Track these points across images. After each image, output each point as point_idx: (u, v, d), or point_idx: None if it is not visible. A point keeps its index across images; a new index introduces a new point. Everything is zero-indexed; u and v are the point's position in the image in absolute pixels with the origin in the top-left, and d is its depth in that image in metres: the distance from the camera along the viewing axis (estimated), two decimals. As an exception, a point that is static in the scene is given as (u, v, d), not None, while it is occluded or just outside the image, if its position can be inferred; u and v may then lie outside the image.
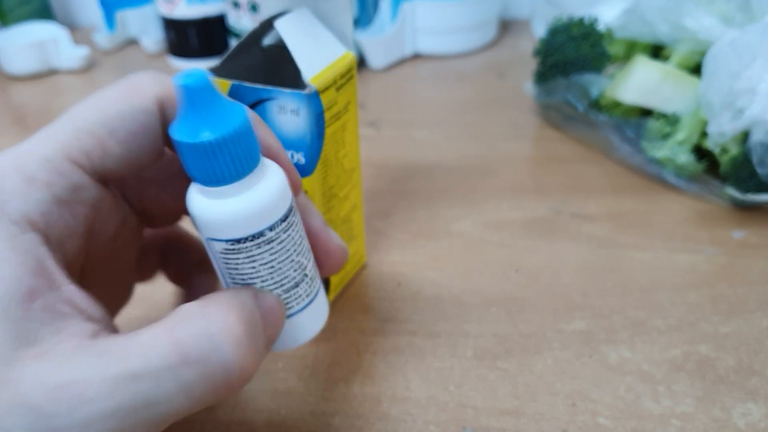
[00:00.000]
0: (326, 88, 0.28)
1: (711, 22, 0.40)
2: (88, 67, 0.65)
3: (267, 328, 0.21)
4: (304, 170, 0.28)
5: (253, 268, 0.21)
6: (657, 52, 0.45)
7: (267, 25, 0.29)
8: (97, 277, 0.23)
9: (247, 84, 0.28)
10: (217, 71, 0.29)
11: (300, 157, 0.28)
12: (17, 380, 0.17)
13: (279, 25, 0.28)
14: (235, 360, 0.18)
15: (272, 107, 0.28)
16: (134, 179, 0.24)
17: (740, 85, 0.36)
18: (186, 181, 0.22)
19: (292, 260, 0.22)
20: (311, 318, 0.24)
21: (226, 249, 0.21)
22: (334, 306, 0.33)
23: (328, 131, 0.29)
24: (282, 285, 0.22)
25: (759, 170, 0.36)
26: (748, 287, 0.33)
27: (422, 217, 0.40)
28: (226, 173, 0.19)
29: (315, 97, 0.27)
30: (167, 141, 0.21)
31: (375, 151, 0.47)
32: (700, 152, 0.40)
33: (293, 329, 0.23)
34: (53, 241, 0.19)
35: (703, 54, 0.40)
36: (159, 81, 0.21)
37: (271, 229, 0.21)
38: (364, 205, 0.40)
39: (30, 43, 0.62)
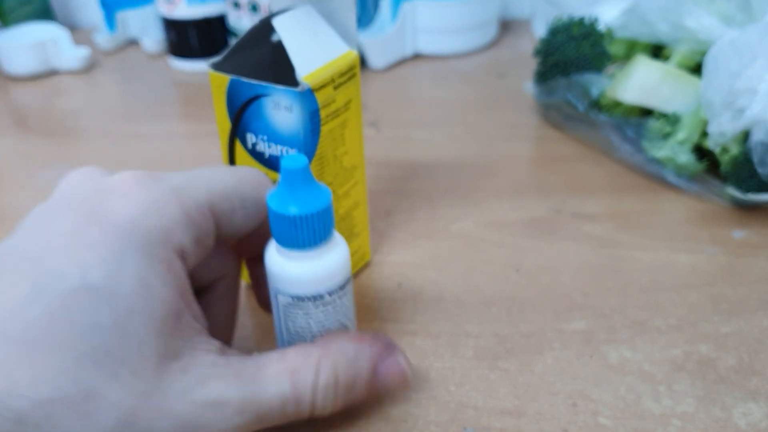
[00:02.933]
0: (322, 86, 0.28)
1: (711, 22, 0.40)
2: (89, 67, 0.65)
3: (376, 386, 0.25)
4: None
5: (307, 322, 0.25)
6: (657, 51, 0.45)
7: (267, 22, 0.29)
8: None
9: (244, 79, 0.28)
10: (217, 66, 0.29)
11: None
12: (166, 391, 0.20)
13: (277, 22, 0.28)
14: (318, 404, 0.23)
15: (268, 103, 0.28)
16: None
17: (740, 84, 0.36)
18: None
19: (339, 321, 0.26)
20: None
21: (289, 303, 0.25)
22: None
23: (325, 129, 0.29)
24: None
25: (759, 170, 0.36)
26: (749, 287, 0.33)
27: (423, 217, 0.40)
28: (302, 241, 0.23)
29: (309, 94, 0.27)
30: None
31: (375, 151, 0.47)
32: (701, 152, 0.40)
33: None
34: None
35: (703, 54, 0.40)
36: (271, 181, 0.26)
37: (329, 294, 0.25)
38: (365, 205, 0.40)
39: (30, 43, 0.62)
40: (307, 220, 0.23)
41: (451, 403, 0.27)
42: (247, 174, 0.25)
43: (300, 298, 0.24)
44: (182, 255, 0.22)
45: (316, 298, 0.24)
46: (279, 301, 0.25)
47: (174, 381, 0.20)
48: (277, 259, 0.24)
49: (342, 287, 0.25)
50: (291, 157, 0.23)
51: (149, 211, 0.21)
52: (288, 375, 0.22)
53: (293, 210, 0.23)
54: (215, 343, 0.23)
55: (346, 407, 0.25)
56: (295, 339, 0.26)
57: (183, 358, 0.21)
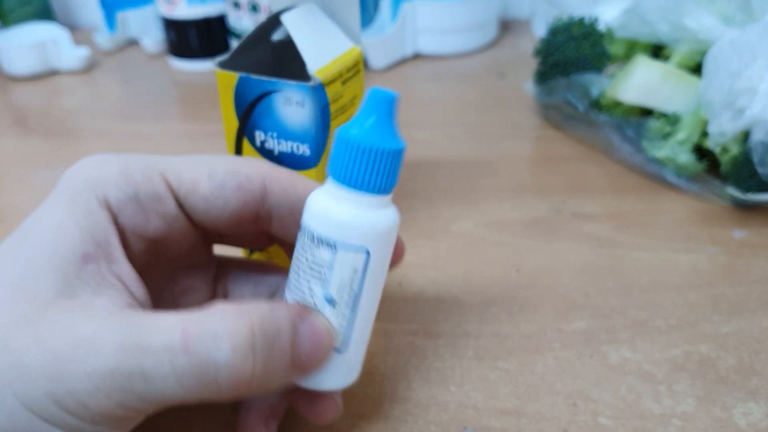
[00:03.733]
0: (331, 81, 0.28)
1: (711, 22, 0.40)
2: (89, 67, 0.65)
3: (298, 348, 0.21)
4: (309, 162, 0.29)
5: (324, 277, 0.21)
6: (657, 51, 0.45)
7: (274, 20, 0.30)
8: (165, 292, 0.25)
9: (254, 76, 0.28)
10: (224, 64, 0.30)
11: (305, 149, 0.28)
12: (48, 323, 0.19)
13: (285, 18, 0.28)
14: (227, 363, 0.19)
15: (278, 99, 0.28)
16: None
17: (740, 84, 0.36)
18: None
19: (307, 281, 0.22)
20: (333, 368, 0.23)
21: (310, 244, 0.21)
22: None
23: (334, 124, 0.29)
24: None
25: (759, 170, 0.36)
26: (749, 287, 0.33)
27: (423, 217, 0.40)
28: (357, 180, 0.21)
29: (320, 89, 0.27)
30: (260, 217, 0.24)
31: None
32: (701, 152, 0.40)
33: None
34: (120, 230, 0.22)
35: (703, 54, 0.40)
36: (270, 166, 0.24)
37: (322, 243, 0.21)
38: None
39: (31, 43, 0.62)
40: (380, 157, 0.21)
41: (451, 403, 0.27)
42: (232, 156, 0.24)
43: (348, 247, 0.21)
44: (108, 206, 0.22)
45: (346, 248, 0.21)
46: (303, 240, 0.22)
47: (61, 317, 0.19)
48: (325, 198, 0.21)
49: (370, 256, 0.21)
50: (380, 88, 0.21)
51: (85, 168, 0.22)
52: (181, 323, 0.19)
53: (381, 141, 0.20)
54: (126, 299, 0.21)
55: (272, 381, 0.21)
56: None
57: (78, 300, 0.20)
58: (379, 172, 0.21)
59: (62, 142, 0.51)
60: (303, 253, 0.22)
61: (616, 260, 0.35)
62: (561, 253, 0.36)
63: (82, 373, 0.19)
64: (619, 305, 0.32)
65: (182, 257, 0.25)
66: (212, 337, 0.19)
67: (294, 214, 0.24)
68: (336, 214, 0.21)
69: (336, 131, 0.21)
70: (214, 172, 0.23)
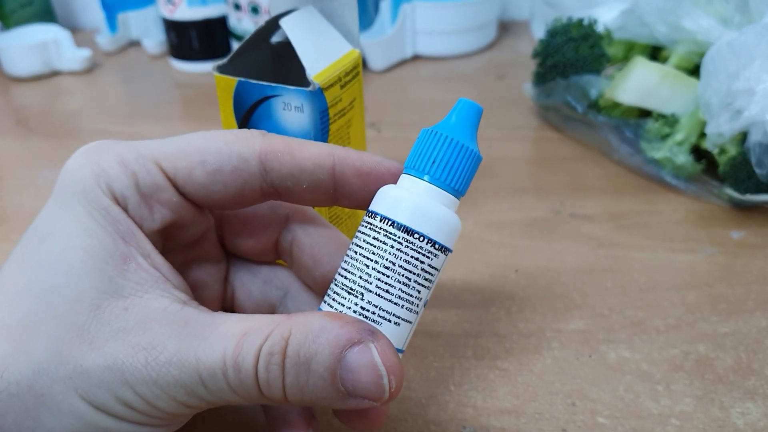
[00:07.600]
0: (330, 85, 0.28)
1: (709, 23, 0.41)
2: (90, 68, 0.65)
3: (342, 379, 0.20)
4: None
5: (433, 280, 0.22)
6: (656, 53, 0.45)
7: (273, 23, 0.30)
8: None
9: (252, 81, 0.28)
10: (223, 68, 0.30)
11: None
12: (99, 326, 0.19)
13: (284, 23, 0.28)
14: (261, 379, 0.19)
15: (277, 104, 0.28)
16: (227, 219, 0.25)
17: (738, 85, 0.36)
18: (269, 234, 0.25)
19: (418, 290, 0.21)
20: None
21: (429, 252, 0.21)
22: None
23: (333, 128, 0.29)
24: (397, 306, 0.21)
25: (757, 170, 0.36)
26: (747, 287, 0.33)
27: (422, 217, 0.40)
28: (462, 184, 0.22)
29: (319, 93, 0.27)
30: (264, 192, 0.23)
31: (376, 153, 0.47)
32: (699, 153, 0.41)
33: None
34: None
35: (701, 55, 0.40)
36: (265, 137, 0.23)
37: (440, 249, 0.21)
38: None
39: (32, 44, 0.62)
40: (474, 161, 0.23)
41: (451, 403, 0.27)
42: (222, 132, 0.23)
43: (409, 231, 0.21)
44: (117, 200, 0.21)
45: (425, 239, 0.21)
46: (376, 226, 0.21)
47: (113, 318, 0.19)
48: (407, 192, 0.22)
49: (441, 249, 0.22)
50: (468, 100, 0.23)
51: (84, 163, 0.22)
52: (238, 335, 0.19)
53: (473, 147, 0.22)
54: (177, 294, 0.21)
55: (307, 403, 0.20)
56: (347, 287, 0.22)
57: (129, 299, 0.20)
58: (471, 177, 0.23)
59: (63, 142, 0.52)
60: (414, 261, 0.21)
61: (614, 260, 0.35)
62: (560, 253, 0.36)
63: (150, 381, 0.19)
64: (617, 305, 0.32)
65: (194, 245, 0.25)
66: (255, 354, 0.19)
67: (300, 184, 0.23)
68: (452, 220, 0.22)
69: (441, 135, 0.22)
70: (207, 158, 0.22)
